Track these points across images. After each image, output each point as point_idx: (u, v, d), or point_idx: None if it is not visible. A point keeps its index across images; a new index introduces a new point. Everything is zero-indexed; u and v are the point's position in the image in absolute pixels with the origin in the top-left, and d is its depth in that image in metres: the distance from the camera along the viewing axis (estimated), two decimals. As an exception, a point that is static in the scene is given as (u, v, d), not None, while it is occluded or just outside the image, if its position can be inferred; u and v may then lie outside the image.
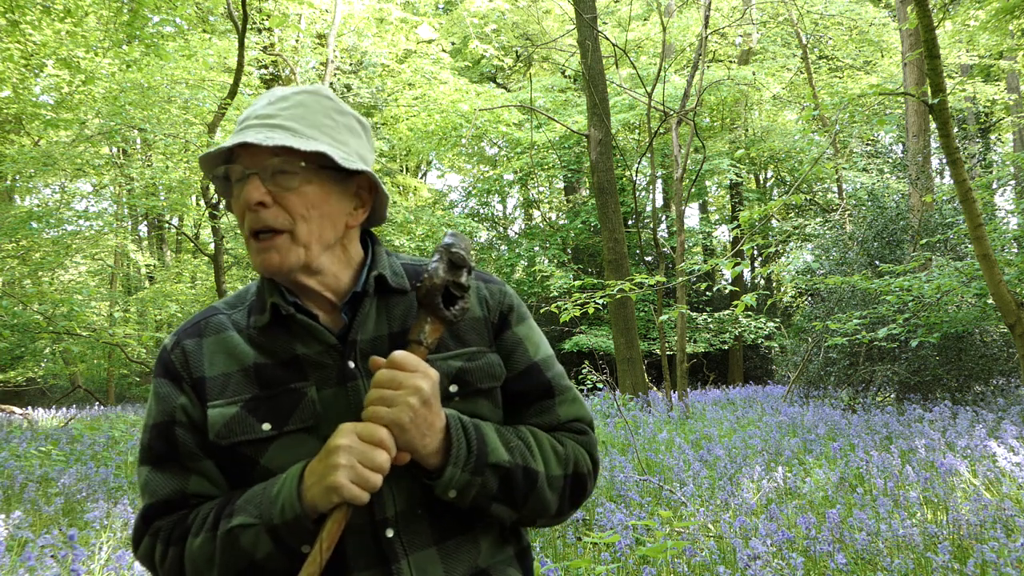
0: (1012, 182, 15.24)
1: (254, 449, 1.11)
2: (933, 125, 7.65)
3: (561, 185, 23.67)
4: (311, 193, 1.11)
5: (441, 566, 1.12)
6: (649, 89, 10.99)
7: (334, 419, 1.11)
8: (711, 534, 3.97)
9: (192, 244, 18.13)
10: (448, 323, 1.11)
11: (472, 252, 1.11)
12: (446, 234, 1.14)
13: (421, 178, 25.17)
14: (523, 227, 24.29)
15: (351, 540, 1.09)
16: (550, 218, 23.41)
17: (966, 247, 9.71)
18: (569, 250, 21.51)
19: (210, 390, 1.13)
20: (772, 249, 19.59)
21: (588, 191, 21.26)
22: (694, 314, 13.50)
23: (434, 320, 1.09)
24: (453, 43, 18.91)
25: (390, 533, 1.10)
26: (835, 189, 19.45)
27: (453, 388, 1.16)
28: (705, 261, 11.68)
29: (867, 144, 18.14)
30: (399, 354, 1.05)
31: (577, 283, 8.28)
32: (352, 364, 1.14)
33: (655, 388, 12.49)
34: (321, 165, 1.12)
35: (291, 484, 1.04)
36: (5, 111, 12.74)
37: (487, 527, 1.17)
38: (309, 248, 1.12)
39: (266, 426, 1.11)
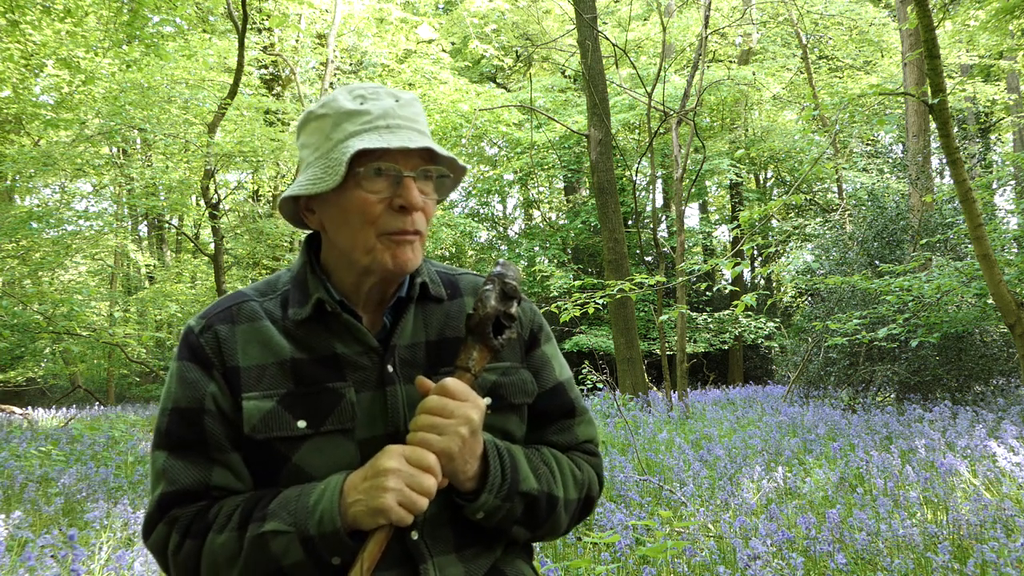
0: (1012, 182, 15.24)
1: (287, 446, 1.10)
2: (933, 125, 7.65)
3: (561, 185, 23.67)
4: (433, 201, 1.17)
5: (462, 568, 1.14)
6: (649, 89, 10.99)
7: (369, 422, 1.13)
8: (711, 534, 3.96)
9: (192, 244, 18.13)
10: (495, 352, 1.12)
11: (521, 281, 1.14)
12: (496, 263, 1.15)
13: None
14: (523, 227, 24.29)
15: None
16: (550, 218, 23.41)
17: (966, 247, 9.71)
18: (569, 250, 21.50)
19: (244, 381, 1.12)
20: (772, 249, 19.59)
21: (588, 191, 21.26)
22: (694, 314, 13.50)
23: (483, 348, 1.11)
24: (453, 43, 18.91)
25: (415, 536, 1.12)
26: (835, 189, 19.44)
27: (487, 401, 1.16)
28: (705, 261, 11.69)
29: (867, 144, 18.14)
30: (451, 382, 1.07)
31: (577, 283, 8.28)
32: (391, 368, 1.15)
33: (655, 388, 12.49)
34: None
35: (332, 496, 1.04)
36: (5, 111, 12.73)
37: (503, 538, 1.20)
38: (423, 248, 1.17)
39: (301, 423, 1.10)
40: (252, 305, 1.18)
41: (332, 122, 1.12)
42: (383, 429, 1.13)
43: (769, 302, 14.01)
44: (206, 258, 16.31)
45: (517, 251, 20.87)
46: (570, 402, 1.27)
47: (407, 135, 1.10)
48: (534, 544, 1.31)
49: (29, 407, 16.35)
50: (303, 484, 1.09)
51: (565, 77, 21.07)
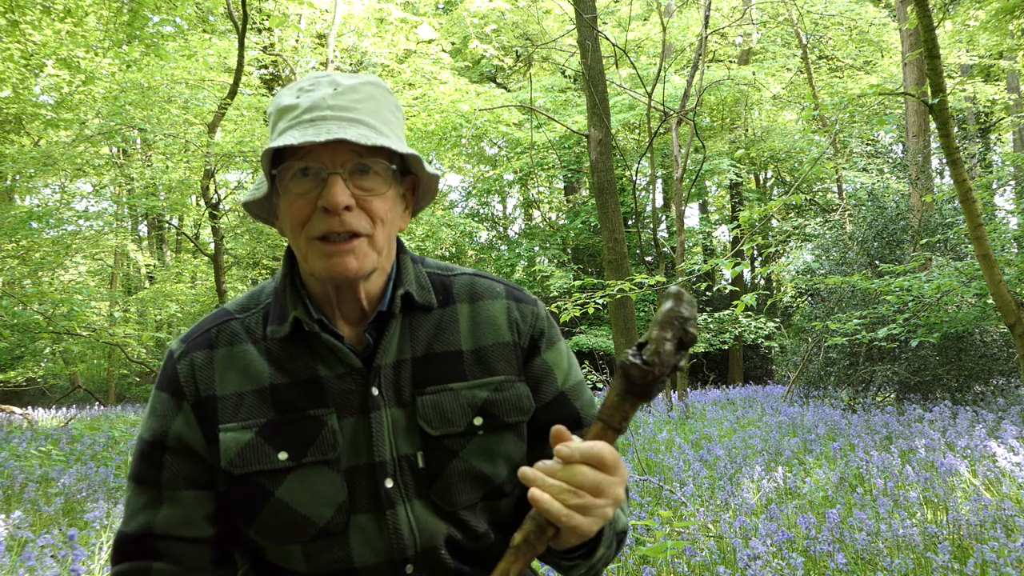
0: (1012, 182, 15.24)
1: (269, 480, 1.02)
2: (933, 125, 7.65)
3: (561, 185, 23.67)
4: (390, 197, 1.04)
5: None
6: (649, 89, 10.98)
7: (353, 451, 1.05)
8: (711, 534, 3.96)
9: (192, 244, 18.12)
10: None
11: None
12: (670, 295, 0.87)
13: (421, 178, 25.14)
14: (523, 227, 24.29)
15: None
16: (550, 218, 23.40)
17: (966, 247, 9.71)
18: (569, 250, 21.51)
19: (222, 411, 1.05)
20: (772, 249, 19.58)
21: (588, 191, 21.26)
22: (694, 314, 13.47)
23: (635, 403, 0.89)
24: (453, 43, 18.91)
25: (409, 569, 1.05)
26: (835, 189, 19.44)
27: (478, 421, 1.07)
28: (705, 261, 11.68)
29: (867, 144, 18.13)
30: (609, 453, 0.89)
31: (577, 283, 8.27)
32: (376, 391, 1.05)
33: (655, 388, 12.43)
34: (398, 170, 1.06)
35: None
36: (5, 111, 12.73)
37: (496, 557, 1.13)
38: (381, 253, 1.05)
39: (283, 455, 1.03)
40: (233, 325, 1.10)
41: (272, 121, 1.05)
42: (367, 458, 1.04)
43: (769, 302, 14.00)
44: (206, 258, 16.30)
45: (517, 251, 20.86)
46: (575, 412, 1.14)
47: (328, 127, 0.97)
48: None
49: (29, 407, 16.34)
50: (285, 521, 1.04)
51: (565, 77, 21.07)
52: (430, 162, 25.35)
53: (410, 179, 1.12)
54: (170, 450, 1.06)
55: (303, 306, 1.07)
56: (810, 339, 10.54)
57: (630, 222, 17.43)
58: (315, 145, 0.98)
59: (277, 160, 1.02)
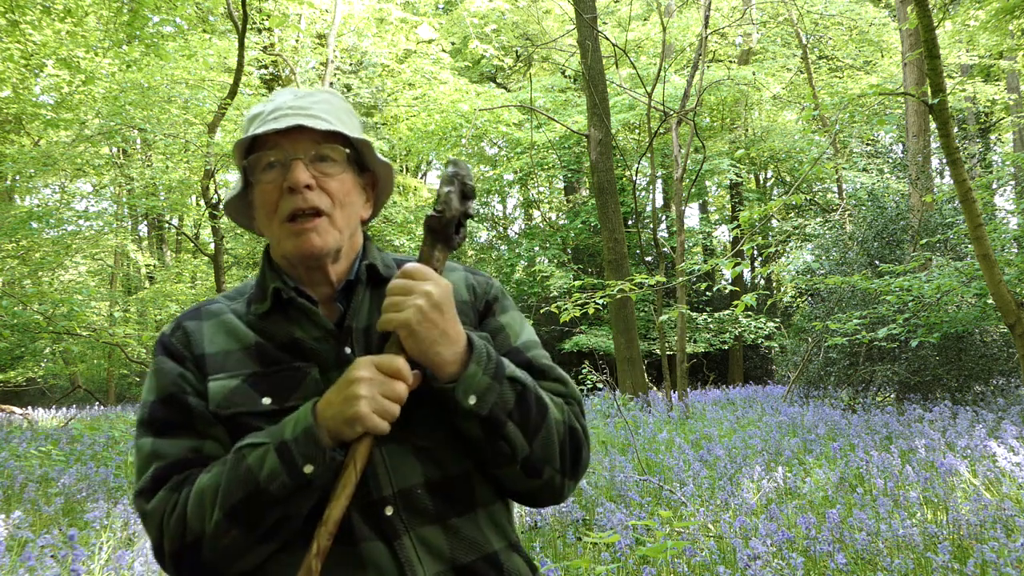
0: (1012, 182, 15.24)
1: (253, 421, 1.11)
2: (933, 125, 7.65)
3: (561, 185, 23.67)
4: (347, 181, 1.18)
5: (446, 542, 1.11)
6: (649, 89, 10.98)
7: None
8: (711, 534, 3.96)
9: (192, 244, 18.13)
10: (454, 250, 1.14)
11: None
12: (448, 162, 1.14)
13: (421, 178, 25.17)
14: (523, 227, 24.29)
15: (355, 513, 1.09)
16: (550, 218, 23.40)
17: (966, 247, 9.71)
18: (569, 250, 21.51)
19: (211, 365, 1.15)
20: (772, 249, 19.57)
21: (588, 191, 21.26)
22: (694, 314, 13.49)
23: (443, 248, 1.13)
24: (453, 43, 18.91)
25: (389, 511, 1.09)
26: (835, 189, 19.45)
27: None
28: (705, 261, 11.68)
29: (867, 144, 18.13)
30: (411, 265, 1.09)
31: (577, 283, 8.27)
32: (349, 350, 1.15)
33: (655, 388, 12.49)
34: (353, 158, 1.20)
35: (306, 409, 1.06)
36: (5, 111, 12.74)
37: (487, 508, 1.16)
38: (342, 233, 1.17)
39: (266, 400, 1.12)
40: (218, 305, 1.24)
41: (244, 129, 1.20)
42: None
43: (769, 302, 13.99)
44: (206, 258, 16.31)
45: (517, 251, 20.86)
46: (526, 361, 1.21)
47: (288, 120, 1.13)
48: (533, 545, 1.25)
49: (29, 407, 16.35)
50: None
51: (565, 77, 21.07)
52: (429, 163, 25.45)
53: (369, 175, 1.25)
54: (187, 393, 1.15)
55: (280, 280, 1.19)
56: (810, 339, 10.54)
57: (630, 222, 17.42)
58: (278, 137, 1.14)
59: (249, 156, 1.18)
